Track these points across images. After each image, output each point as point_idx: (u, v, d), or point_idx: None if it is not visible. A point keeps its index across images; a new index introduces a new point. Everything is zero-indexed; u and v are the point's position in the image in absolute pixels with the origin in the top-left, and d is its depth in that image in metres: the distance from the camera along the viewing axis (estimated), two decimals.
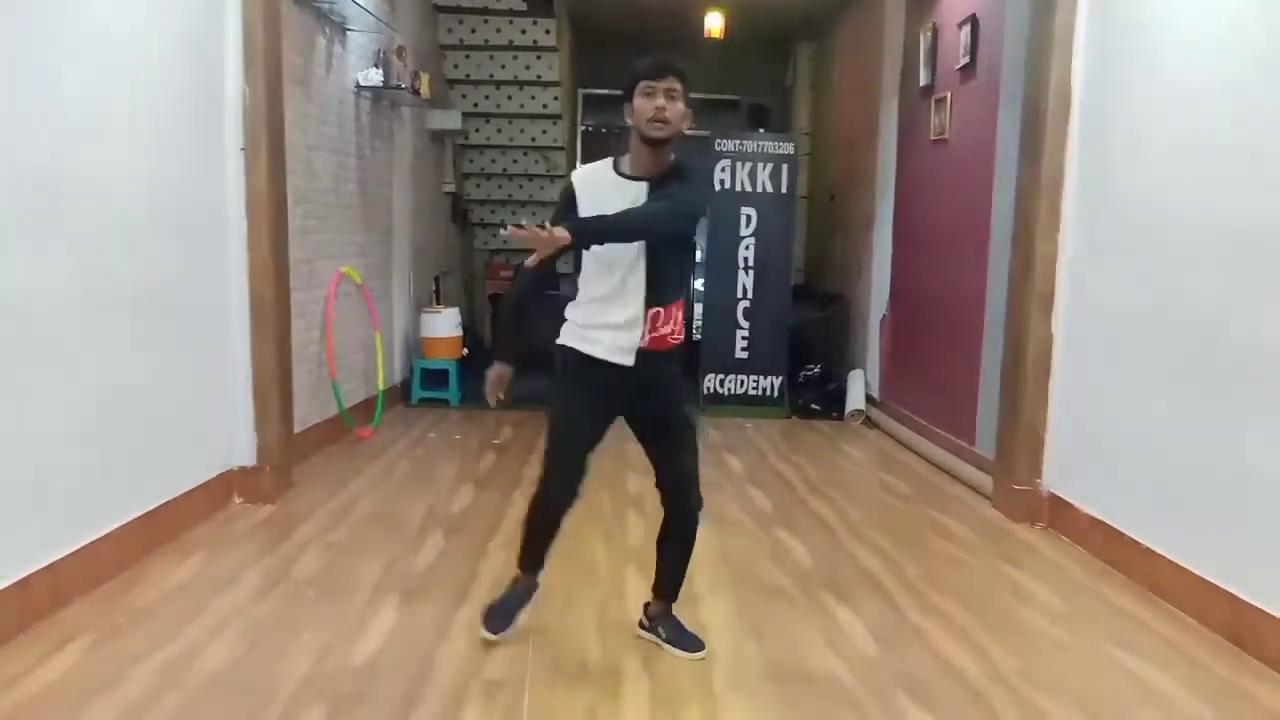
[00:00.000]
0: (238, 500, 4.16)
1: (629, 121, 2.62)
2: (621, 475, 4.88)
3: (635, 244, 2.60)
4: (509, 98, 8.44)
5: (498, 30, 8.01)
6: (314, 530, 3.89)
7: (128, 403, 3.38)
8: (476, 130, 8.47)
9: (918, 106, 6.18)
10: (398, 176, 6.65)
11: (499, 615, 2.88)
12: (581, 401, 2.70)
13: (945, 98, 5.63)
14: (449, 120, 7.52)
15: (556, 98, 8.52)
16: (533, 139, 8.74)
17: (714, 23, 8.66)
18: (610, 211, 2.55)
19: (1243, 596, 2.99)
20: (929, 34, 5.92)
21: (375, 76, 5.70)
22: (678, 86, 2.59)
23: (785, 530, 4.09)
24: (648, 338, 2.65)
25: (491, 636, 2.85)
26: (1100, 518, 3.81)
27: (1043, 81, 4.16)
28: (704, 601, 3.24)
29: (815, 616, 3.17)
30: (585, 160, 11.41)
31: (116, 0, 3.26)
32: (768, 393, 7.21)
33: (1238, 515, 3.04)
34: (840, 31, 8.60)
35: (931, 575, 3.59)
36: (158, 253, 3.54)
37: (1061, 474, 4.16)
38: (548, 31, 8.09)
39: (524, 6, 7.90)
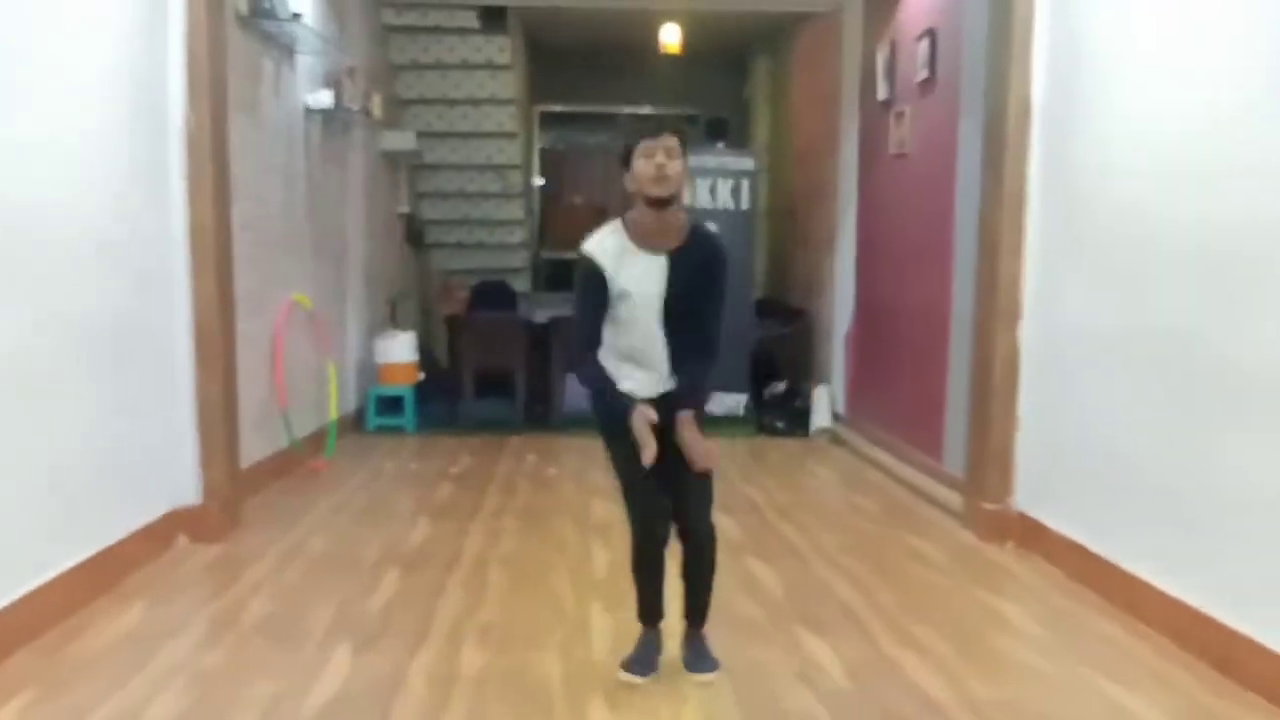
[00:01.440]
0: (184, 541, 3.98)
1: (629, 188, 2.64)
2: (586, 502, 4.78)
3: (652, 315, 2.69)
4: (464, 117, 8.33)
5: (450, 49, 7.90)
6: (263, 571, 3.72)
7: (69, 443, 3.21)
8: (431, 150, 8.33)
9: (877, 121, 6.14)
10: (351, 200, 6.49)
11: (640, 663, 2.84)
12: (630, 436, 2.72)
13: (904, 112, 5.59)
14: (403, 141, 7.38)
15: (512, 116, 8.42)
16: (488, 157, 8.63)
17: (670, 36, 8.58)
18: (637, 279, 2.65)
19: (1224, 620, 2.91)
20: (887, 48, 5.88)
21: (326, 99, 5.55)
22: (675, 144, 2.60)
23: (756, 558, 3.98)
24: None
25: (638, 679, 2.80)
26: (1074, 538, 3.74)
27: (1002, 94, 4.11)
28: (673, 637, 3.11)
29: (788, 651, 3.06)
30: (543, 176, 11.32)
31: (57, 31, 3.10)
32: (732, 411, 7.12)
33: (1217, 535, 2.97)
34: (798, 45, 8.55)
35: (906, 603, 3.49)
36: (102, 287, 3.40)
37: (1033, 493, 4.09)
38: (501, 49, 8.00)
39: (477, 25, 7.79)
